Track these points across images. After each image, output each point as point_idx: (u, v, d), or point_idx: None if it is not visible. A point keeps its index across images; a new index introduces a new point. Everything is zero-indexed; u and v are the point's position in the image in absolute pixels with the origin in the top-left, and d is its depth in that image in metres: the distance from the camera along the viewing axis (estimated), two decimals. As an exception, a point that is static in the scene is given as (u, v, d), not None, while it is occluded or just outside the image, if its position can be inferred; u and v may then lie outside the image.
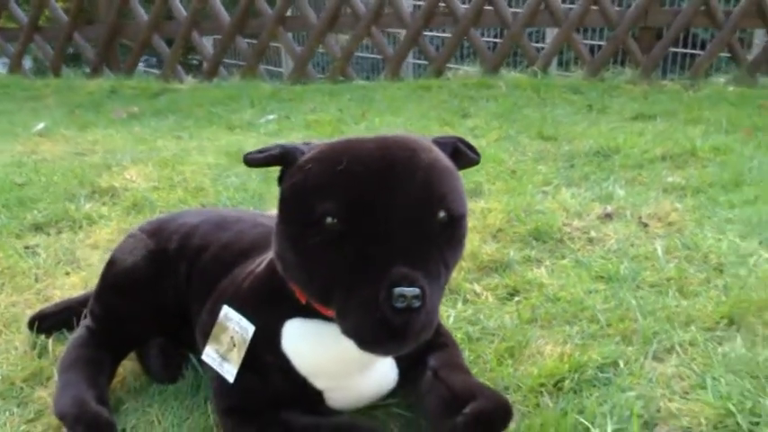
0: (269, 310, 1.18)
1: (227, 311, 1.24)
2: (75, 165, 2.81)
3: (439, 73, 5.07)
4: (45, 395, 1.43)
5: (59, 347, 1.56)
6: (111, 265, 1.47)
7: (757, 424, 1.23)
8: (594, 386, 1.34)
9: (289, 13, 5.31)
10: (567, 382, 1.35)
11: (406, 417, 1.28)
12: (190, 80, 5.18)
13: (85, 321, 1.48)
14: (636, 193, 2.35)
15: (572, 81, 4.78)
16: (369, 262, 0.99)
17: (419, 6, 5.60)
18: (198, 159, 2.82)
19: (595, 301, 1.65)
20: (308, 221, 1.02)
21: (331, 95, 4.43)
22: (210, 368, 1.25)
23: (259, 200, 2.35)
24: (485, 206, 2.22)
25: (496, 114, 3.78)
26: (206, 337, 1.26)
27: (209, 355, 1.24)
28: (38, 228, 2.23)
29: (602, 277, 1.79)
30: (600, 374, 1.38)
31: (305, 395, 1.20)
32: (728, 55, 4.93)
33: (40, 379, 1.49)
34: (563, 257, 1.91)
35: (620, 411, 1.25)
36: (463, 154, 1.16)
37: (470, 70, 5.24)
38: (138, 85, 4.85)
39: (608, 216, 2.17)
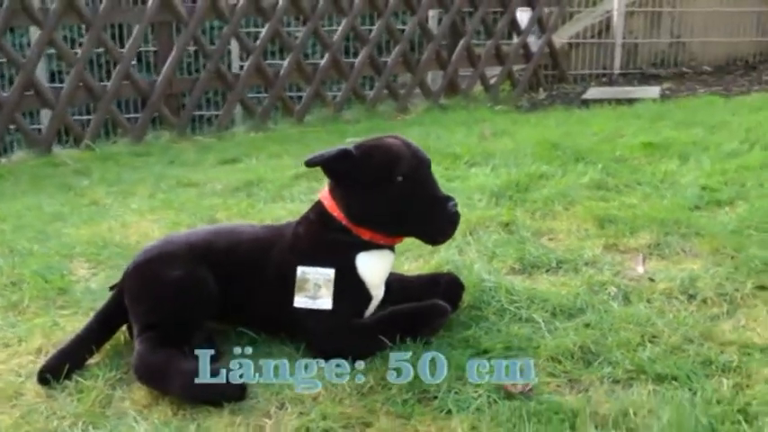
0: (342, 253, 1.96)
1: (302, 270, 1.94)
2: None
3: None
4: (128, 406, 1.83)
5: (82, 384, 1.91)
6: (153, 282, 1.94)
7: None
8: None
9: None
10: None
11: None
12: None
13: (144, 336, 1.90)
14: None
15: (134, 148, 5.46)
16: (430, 194, 1.94)
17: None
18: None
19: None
20: (385, 182, 1.90)
21: None
22: (302, 315, 1.93)
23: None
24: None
25: (111, 180, 4.33)
26: (281, 290, 1.95)
27: (301, 301, 1.93)
28: None
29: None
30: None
31: (365, 304, 2.00)
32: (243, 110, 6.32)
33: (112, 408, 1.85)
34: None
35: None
36: None
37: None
38: None
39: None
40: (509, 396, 1.77)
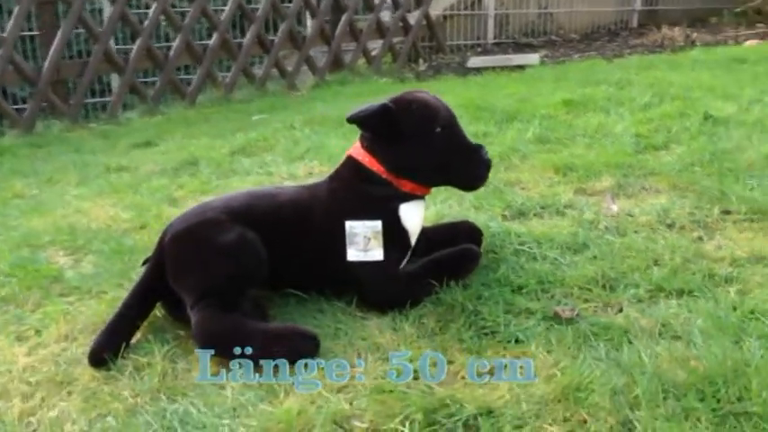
0: (386, 205, 2.03)
1: (350, 224, 1.99)
2: None
3: None
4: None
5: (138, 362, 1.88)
6: (202, 249, 1.93)
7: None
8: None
9: None
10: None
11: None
12: None
13: (200, 305, 1.88)
14: (262, 175, 3.45)
15: (27, 139, 5.16)
16: (465, 143, 2.05)
17: None
18: None
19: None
20: (426, 133, 1.99)
21: None
22: (355, 268, 1.99)
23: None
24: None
25: (25, 172, 4.11)
26: (326, 247, 2.01)
27: (353, 254, 1.99)
28: None
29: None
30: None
31: (406, 253, 2.08)
32: (134, 95, 6.09)
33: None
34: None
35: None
36: None
37: None
38: None
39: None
40: (565, 321, 1.92)
